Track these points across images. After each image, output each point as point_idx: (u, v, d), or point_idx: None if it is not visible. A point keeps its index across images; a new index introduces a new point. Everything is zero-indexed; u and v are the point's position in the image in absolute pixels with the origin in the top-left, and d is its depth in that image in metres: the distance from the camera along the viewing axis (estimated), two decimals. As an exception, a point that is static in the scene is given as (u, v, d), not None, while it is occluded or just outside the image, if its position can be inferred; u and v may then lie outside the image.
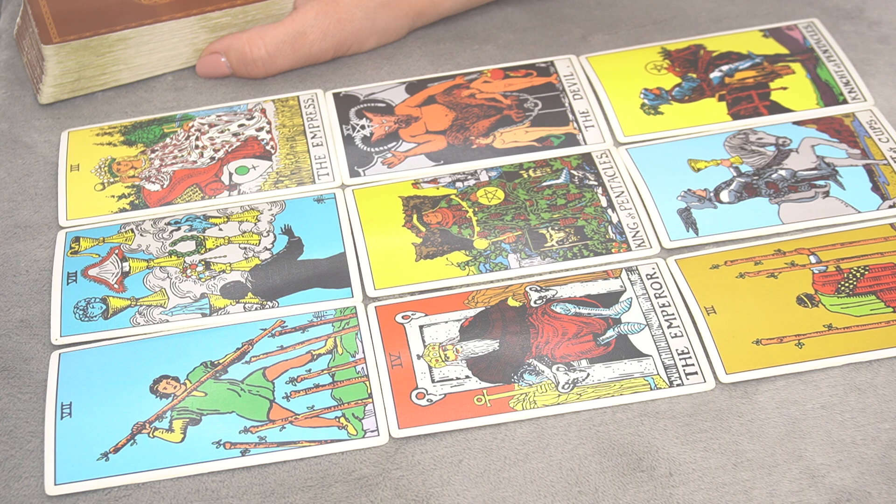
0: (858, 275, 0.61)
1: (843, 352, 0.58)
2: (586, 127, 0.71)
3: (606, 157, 0.69)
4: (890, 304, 0.60)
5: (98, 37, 0.72)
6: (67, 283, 0.63)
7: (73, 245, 0.66)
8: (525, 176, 0.68)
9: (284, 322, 0.61)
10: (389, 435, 0.56)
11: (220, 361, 0.59)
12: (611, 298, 0.62)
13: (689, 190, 0.67)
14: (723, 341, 0.59)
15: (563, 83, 0.74)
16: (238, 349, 0.60)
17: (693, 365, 0.58)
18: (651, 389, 0.58)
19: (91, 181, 0.69)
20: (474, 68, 0.76)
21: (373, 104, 0.73)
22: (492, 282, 0.63)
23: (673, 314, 0.61)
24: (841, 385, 0.58)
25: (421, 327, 0.61)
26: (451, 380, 0.58)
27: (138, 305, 0.62)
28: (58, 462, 0.56)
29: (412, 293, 0.63)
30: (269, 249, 0.65)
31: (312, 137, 0.71)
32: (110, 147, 0.72)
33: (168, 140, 0.72)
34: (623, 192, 0.67)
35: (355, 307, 0.62)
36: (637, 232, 0.65)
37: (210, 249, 0.65)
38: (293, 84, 0.76)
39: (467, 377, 0.58)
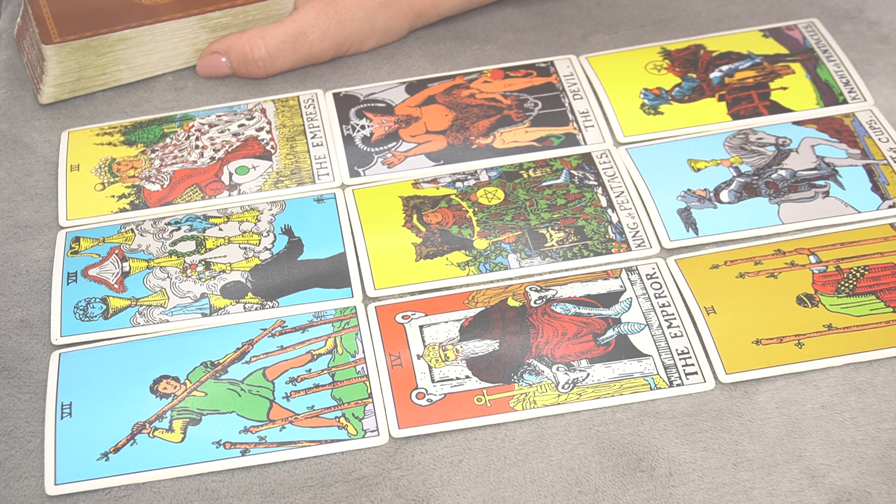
0: (858, 275, 0.61)
1: (843, 352, 0.58)
2: (586, 127, 0.71)
3: (606, 157, 0.69)
4: (890, 304, 0.60)
5: (98, 37, 0.72)
6: (67, 283, 0.63)
7: (73, 245, 0.66)
8: (525, 176, 0.68)
9: (284, 322, 0.61)
10: (389, 435, 0.56)
11: (220, 361, 0.59)
12: (611, 298, 0.62)
13: (689, 190, 0.67)
14: (723, 341, 0.59)
15: (563, 83, 0.74)
16: (238, 349, 0.60)
17: (693, 365, 0.58)
18: (651, 389, 0.58)
19: (91, 181, 0.69)
20: (474, 68, 0.76)
21: (373, 104, 0.73)
22: (492, 282, 0.63)
23: (673, 314, 0.61)
24: (841, 385, 0.58)
25: (421, 327, 0.61)
26: (451, 380, 0.58)
27: (138, 305, 0.62)
28: (58, 462, 0.56)
29: (412, 293, 0.63)
30: (269, 249, 0.65)
31: (312, 137, 0.71)
32: (110, 147, 0.72)
33: (168, 140, 0.72)
34: (623, 192, 0.67)
35: (355, 307, 0.62)
36: (637, 232, 0.65)
37: (210, 249, 0.65)
38: (293, 84, 0.76)
39: (467, 377, 0.58)
